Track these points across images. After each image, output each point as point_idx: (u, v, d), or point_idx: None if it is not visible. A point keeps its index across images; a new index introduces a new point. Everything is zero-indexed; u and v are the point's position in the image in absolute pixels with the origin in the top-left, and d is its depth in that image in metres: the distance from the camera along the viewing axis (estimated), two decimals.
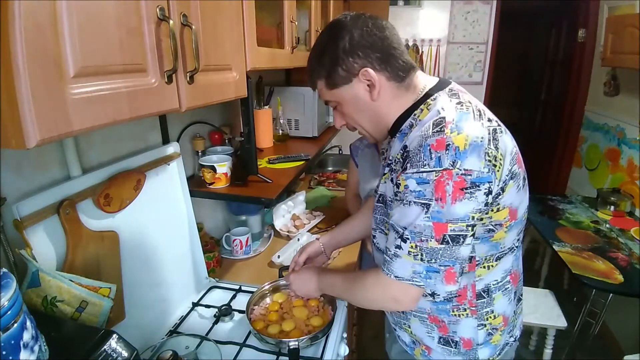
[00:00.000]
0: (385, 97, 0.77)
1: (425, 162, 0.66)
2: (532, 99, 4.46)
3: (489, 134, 0.69)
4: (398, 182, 0.72)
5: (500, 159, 0.69)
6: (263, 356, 0.96)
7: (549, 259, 2.53)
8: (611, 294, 1.74)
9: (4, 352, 0.47)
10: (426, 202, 0.67)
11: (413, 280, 0.72)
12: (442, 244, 0.68)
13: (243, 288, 1.23)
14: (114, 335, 0.62)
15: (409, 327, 0.90)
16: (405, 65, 0.76)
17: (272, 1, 1.21)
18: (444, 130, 0.67)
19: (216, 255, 1.35)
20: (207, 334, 1.02)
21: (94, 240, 0.81)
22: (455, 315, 0.83)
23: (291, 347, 0.90)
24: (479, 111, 0.73)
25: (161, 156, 1.05)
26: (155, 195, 1.02)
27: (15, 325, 0.49)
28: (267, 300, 1.12)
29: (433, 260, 0.69)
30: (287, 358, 0.92)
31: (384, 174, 0.83)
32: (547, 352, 1.85)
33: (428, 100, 0.76)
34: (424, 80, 0.80)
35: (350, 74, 0.75)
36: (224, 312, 1.10)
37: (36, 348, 0.52)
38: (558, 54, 3.71)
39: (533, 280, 2.54)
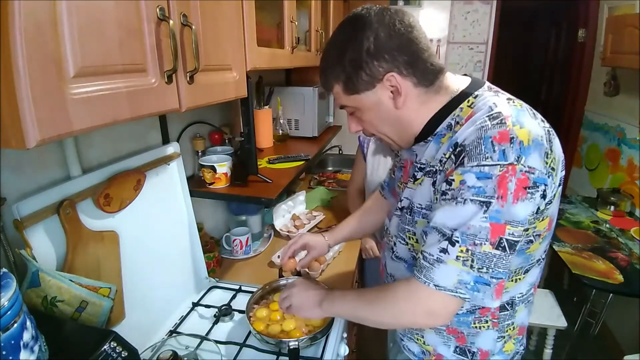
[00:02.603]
0: (411, 105, 0.70)
1: (487, 155, 0.59)
2: (532, 99, 4.43)
3: (546, 134, 0.63)
4: (451, 178, 0.63)
5: (556, 163, 0.64)
6: (263, 356, 0.96)
7: (549, 259, 2.53)
8: (611, 294, 1.74)
9: (4, 352, 0.47)
10: (486, 200, 0.59)
11: (457, 292, 0.62)
12: (497, 249, 0.60)
13: (243, 288, 1.23)
14: (114, 335, 0.62)
15: (422, 338, 0.85)
16: (434, 68, 0.69)
17: (272, 1, 1.21)
18: (505, 123, 0.60)
19: (216, 255, 1.35)
20: (207, 334, 1.02)
21: (94, 240, 0.81)
22: (475, 327, 0.78)
23: (291, 347, 0.90)
24: (531, 110, 0.67)
25: (161, 156, 1.05)
26: (155, 195, 1.02)
27: (15, 325, 0.49)
28: (268, 300, 1.12)
29: (484, 270, 0.61)
30: (287, 358, 0.92)
31: (417, 179, 0.75)
32: (547, 352, 1.85)
33: (469, 98, 0.69)
34: (455, 81, 0.73)
35: (374, 79, 0.68)
36: (224, 312, 1.10)
37: (36, 348, 0.53)
38: (558, 54, 3.71)
39: None
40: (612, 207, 2.18)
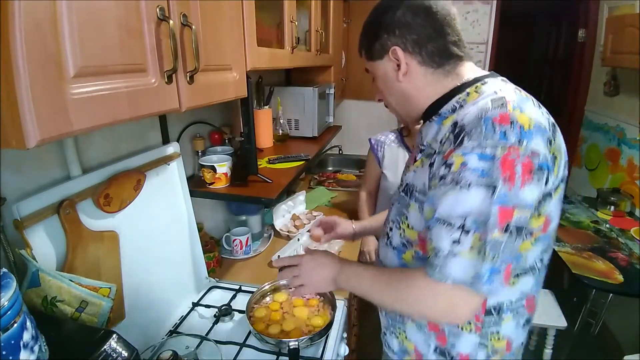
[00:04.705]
0: (415, 81, 0.73)
1: (488, 135, 0.58)
2: None
3: (549, 125, 0.64)
4: (450, 161, 0.62)
5: (559, 154, 0.64)
6: (263, 356, 0.96)
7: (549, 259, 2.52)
8: (611, 294, 1.74)
9: (4, 352, 0.47)
10: (492, 182, 0.57)
11: (474, 287, 0.60)
12: (505, 233, 0.59)
13: (243, 288, 1.23)
14: (114, 335, 0.62)
15: (404, 332, 0.83)
16: (446, 53, 0.71)
17: (272, 1, 1.21)
18: (506, 106, 0.61)
19: (216, 255, 1.35)
20: (207, 334, 1.02)
21: (94, 240, 0.81)
22: (457, 326, 0.75)
23: (291, 347, 0.90)
24: (537, 102, 0.68)
25: (161, 156, 1.05)
26: (155, 195, 1.02)
27: (15, 325, 0.49)
28: (268, 300, 1.12)
29: (496, 257, 0.59)
30: (287, 358, 0.92)
31: (416, 160, 0.76)
32: (547, 352, 1.85)
33: (477, 84, 0.70)
34: (472, 71, 0.74)
35: (383, 51, 0.73)
36: (224, 312, 1.10)
37: (36, 348, 0.52)
38: (558, 54, 3.71)
39: None
40: (612, 207, 2.18)
